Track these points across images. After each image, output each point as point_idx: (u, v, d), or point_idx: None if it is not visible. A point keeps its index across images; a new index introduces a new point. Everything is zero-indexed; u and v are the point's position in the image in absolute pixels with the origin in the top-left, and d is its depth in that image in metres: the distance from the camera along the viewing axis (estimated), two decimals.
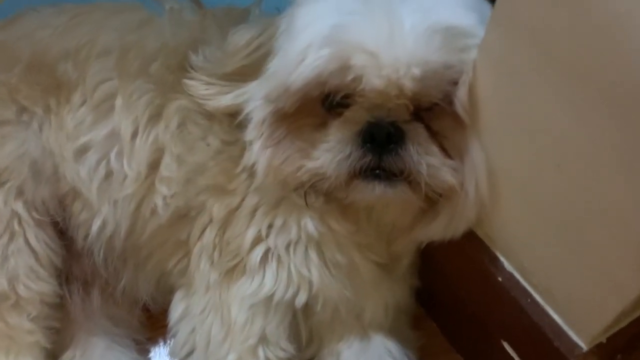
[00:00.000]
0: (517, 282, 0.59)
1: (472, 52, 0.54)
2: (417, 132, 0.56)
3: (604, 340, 0.55)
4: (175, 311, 0.71)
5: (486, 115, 0.54)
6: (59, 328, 0.72)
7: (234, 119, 0.66)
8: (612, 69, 0.42)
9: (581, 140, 0.46)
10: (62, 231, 0.73)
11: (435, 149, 0.57)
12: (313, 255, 0.65)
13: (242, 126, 0.64)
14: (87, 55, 0.70)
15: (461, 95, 0.55)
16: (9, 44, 0.72)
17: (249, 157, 0.63)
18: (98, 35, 0.71)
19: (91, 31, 0.72)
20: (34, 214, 0.69)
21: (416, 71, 0.53)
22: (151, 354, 0.77)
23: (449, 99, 0.56)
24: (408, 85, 0.54)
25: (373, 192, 0.58)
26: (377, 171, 0.57)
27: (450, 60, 0.54)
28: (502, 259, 0.61)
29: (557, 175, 0.50)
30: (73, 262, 0.75)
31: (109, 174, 0.69)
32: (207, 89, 0.66)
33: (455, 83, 0.55)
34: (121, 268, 0.75)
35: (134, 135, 0.69)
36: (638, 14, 0.38)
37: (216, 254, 0.68)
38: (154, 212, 0.68)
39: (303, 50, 0.56)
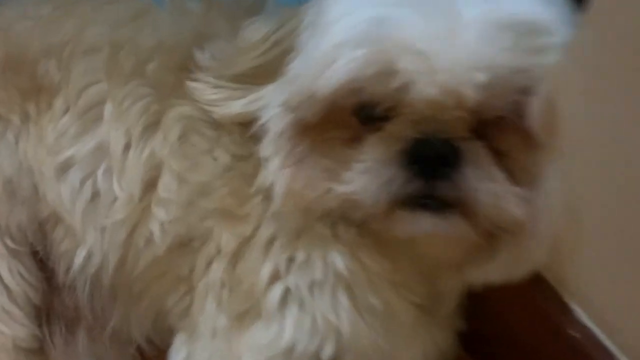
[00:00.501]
0: (596, 338, 0.53)
1: (551, 54, 0.45)
2: (477, 152, 0.48)
3: None
4: (176, 357, 0.63)
5: (568, 133, 0.46)
6: None
7: (246, 129, 0.59)
8: None
9: None
10: (42, 262, 0.67)
11: (499, 173, 0.48)
12: (342, 298, 0.57)
13: (256, 139, 0.57)
14: (73, 52, 0.64)
15: (535, 107, 0.46)
16: None
17: (264, 177, 0.56)
18: (86, 29, 0.65)
19: (78, 24, 0.66)
20: (9, 242, 0.64)
21: (480, 76, 0.45)
22: None
23: (519, 112, 0.47)
24: (469, 93, 0.45)
25: (420, 225, 0.49)
26: (426, 200, 0.49)
27: (523, 63, 0.46)
28: (577, 309, 0.55)
29: None
30: (55, 298, 0.69)
31: (95, 196, 0.63)
32: (214, 93, 0.60)
33: (528, 91, 0.46)
34: (111, 305, 0.68)
35: (126, 148, 0.62)
36: None
37: (225, 293, 0.60)
38: (149, 241, 0.62)
39: (334, 48, 0.48)
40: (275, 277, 0.58)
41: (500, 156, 0.49)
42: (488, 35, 0.45)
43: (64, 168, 0.63)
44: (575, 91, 0.44)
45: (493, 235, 0.50)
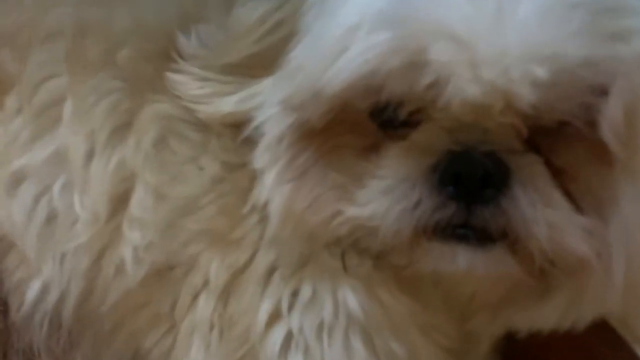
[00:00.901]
0: None
1: (636, 41, 0.36)
2: (532, 170, 0.39)
3: None
4: None
5: None
6: None
7: (238, 132, 0.52)
8: None
9: None
10: None
11: (560, 197, 0.39)
12: (357, 344, 0.50)
13: (250, 144, 0.50)
14: (29, 39, 0.57)
15: (612, 113, 0.37)
16: None
17: (261, 193, 0.49)
18: (46, 10, 0.58)
19: (38, 3, 0.59)
20: None
21: (539, 71, 0.36)
22: None
23: (588, 118, 0.38)
24: (525, 94, 0.37)
25: (454, 261, 0.41)
26: (463, 230, 0.40)
27: (597, 53, 0.36)
28: None
29: None
30: (12, 335, 0.59)
31: (52, 216, 0.55)
32: (200, 87, 0.53)
33: (602, 92, 0.37)
34: (74, 347, 0.60)
35: (89, 157, 0.54)
36: None
37: (215, 336, 0.53)
38: (120, 270, 0.53)
39: (347, 33, 0.41)
40: (275, 317, 0.51)
41: (561, 175, 0.41)
42: (550, 16, 0.36)
43: (16, 182, 0.56)
44: None
45: (547, 273, 0.41)
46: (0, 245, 0.57)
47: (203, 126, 0.54)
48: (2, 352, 0.58)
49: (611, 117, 0.36)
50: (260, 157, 0.48)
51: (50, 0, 0.59)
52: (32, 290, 0.56)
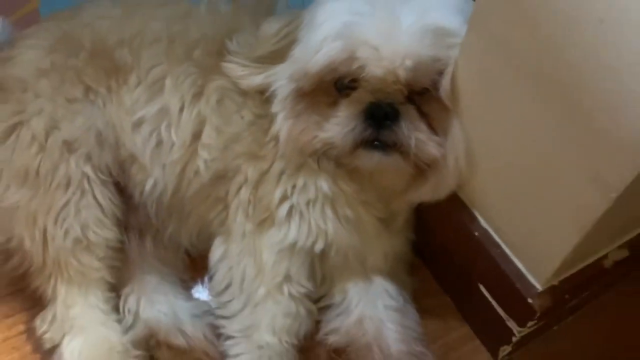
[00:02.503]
0: (490, 236, 0.71)
1: (456, 49, 0.63)
2: (409, 112, 0.66)
3: (556, 283, 0.68)
4: (215, 254, 0.79)
5: (465, 101, 0.65)
6: (120, 267, 0.82)
7: (263, 95, 0.74)
8: (555, 69, 0.53)
9: (533, 124, 0.58)
10: (121, 189, 0.81)
11: (423, 126, 0.66)
12: (328, 211, 0.74)
13: (270, 101, 0.73)
14: (140, 43, 0.78)
15: (445, 84, 0.65)
16: (75, 33, 0.79)
17: (275, 128, 0.73)
18: (148, 25, 0.79)
19: (142, 22, 0.79)
20: (100, 175, 0.77)
21: (409, 63, 0.63)
22: (193, 290, 0.87)
23: (436, 86, 0.65)
24: (402, 74, 0.63)
25: (372, 160, 0.68)
26: (376, 143, 0.66)
27: (438, 55, 0.64)
28: (479, 217, 0.73)
29: (518, 149, 0.62)
30: (130, 215, 0.84)
31: (159, 143, 0.77)
32: (242, 71, 0.75)
33: (441, 73, 0.65)
34: (168, 220, 0.83)
35: (181, 110, 0.76)
36: (574, 27, 0.50)
37: (250, 208, 0.76)
38: (197, 173, 0.77)
39: (320, 41, 0.65)
40: (284, 198, 0.75)
41: (424, 116, 0.67)
42: (416, 36, 0.63)
43: (138, 124, 0.77)
44: (467, 74, 0.63)
45: (421, 168, 0.69)
46: (129, 160, 0.78)
47: (243, 93, 0.75)
48: (124, 225, 0.81)
49: (445, 86, 0.64)
50: (275, 107, 0.71)
51: (150, 18, 0.79)
52: (148, 186, 0.79)
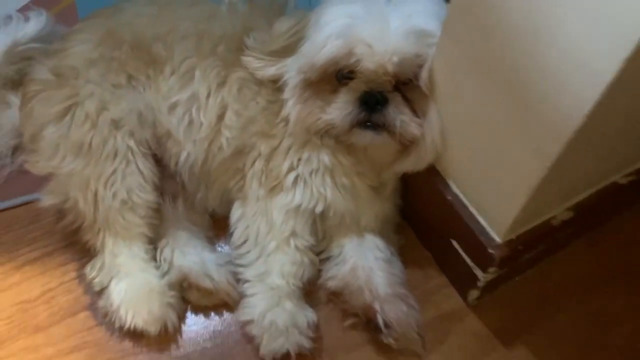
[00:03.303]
0: (460, 199, 0.83)
1: (433, 47, 0.75)
2: (395, 99, 0.77)
3: (513, 237, 0.81)
4: (235, 215, 0.90)
5: (439, 89, 0.77)
6: (157, 224, 0.92)
7: (276, 84, 0.83)
8: (504, 66, 0.67)
9: (488, 108, 0.72)
10: (158, 160, 0.91)
11: (407, 110, 0.78)
12: (328, 179, 0.84)
13: (281, 89, 0.83)
14: (173, 38, 0.87)
15: (424, 76, 0.76)
16: (117, 29, 0.89)
17: (285, 111, 0.83)
18: (180, 23, 0.88)
19: (175, 20, 0.89)
20: (141, 148, 0.87)
21: (396, 59, 0.74)
22: (216, 244, 0.98)
23: (417, 77, 0.77)
24: (390, 67, 0.75)
25: (365, 137, 0.79)
26: (368, 123, 0.78)
27: (419, 52, 0.75)
28: (451, 184, 0.84)
29: (478, 128, 0.75)
30: (166, 182, 0.94)
31: (191, 122, 0.87)
32: (257, 63, 0.83)
33: (421, 67, 0.76)
34: (197, 186, 0.93)
35: (208, 96, 0.86)
36: (516, 35, 0.64)
37: (263, 177, 0.86)
38: (220, 148, 0.87)
39: (324, 40, 0.76)
40: (291, 168, 0.85)
41: (408, 101, 0.78)
42: (402, 37, 0.74)
43: (173, 107, 0.87)
44: (441, 68, 0.76)
45: (405, 145, 0.81)
46: (166, 136, 0.88)
47: (259, 82, 0.85)
48: (160, 191, 0.91)
49: (423, 77, 0.76)
50: (286, 94, 0.81)
51: (181, 17, 0.88)
52: (181, 158, 0.88)
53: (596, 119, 0.58)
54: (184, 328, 0.92)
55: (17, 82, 1.03)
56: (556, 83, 0.59)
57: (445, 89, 0.77)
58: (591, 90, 0.55)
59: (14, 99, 1.02)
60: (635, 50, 0.50)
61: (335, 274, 0.90)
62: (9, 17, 1.09)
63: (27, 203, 1.02)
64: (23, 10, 1.19)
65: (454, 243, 0.88)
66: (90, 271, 0.93)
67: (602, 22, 0.51)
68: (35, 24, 1.07)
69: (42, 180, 0.95)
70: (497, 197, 0.78)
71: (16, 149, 1.03)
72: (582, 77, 0.55)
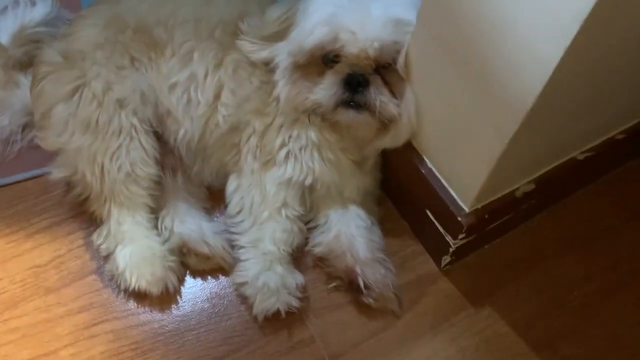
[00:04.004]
0: (433, 173, 0.91)
1: (409, 35, 0.83)
2: (376, 81, 0.83)
3: (479, 207, 0.90)
4: (230, 187, 0.96)
5: (414, 73, 0.85)
6: (159, 195, 0.98)
7: (268, 66, 0.89)
8: (468, 53, 0.75)
9: (456, 90, 0.79)
10: (159, 136, 0.97)
11: (386, 91, 0.85)
12: (315, 154, 0.91)
13: (273, 71, 0.89)
14: (173, 23, 0.93)
15: (401, 60, 0.83)
16: (121, 15, 0.94)
17: (276, 91, 0.89)
18: (179, 9, 0.93)
19: (174, 6, 0.94)
20: (144, 125, 0.93)
21: (376, 44, 0.81)
22: (213, 215, 1.04)
23: (395, 62, 0.84)
24: (371, 52, 0.81)
25: (348, 116, 0.86)
26: (351, 103, 0.84)
27: (397, 39, 0.81)
28: (425, 159, 0.91)
29: (447, 108, 0.83)
30: (166, 156, 1.00)
31: (189, 101, 0.92)
32: (251, 47, 0.89)
33: (399, 52, 0.83)
34: (194, 161, 0.99)
35: (205, 76, 0.91)
36: (480, 27, 0.72)
37: (257, 152, 0.92)
38: (217, 125, 0.93)
39: (312, 26, 0.82)
40: (282, 145, 0.91)
41: (387, 84, 0.85)
42: (382, 25, 0.80)
43: (173, 87, 0.92)
44: (415, 53, 0.83)
45: (385, 123, 0.88)
46: (166, 114, 0.93)
47: (253, 64, 0.90)
48: (161, 164, 0.96)
49: (400, 62, 0.83)
50: (277, 75, 0.86)
51: (180, 4, 0.93)
52: (180, 133, 0.94)
53: (546, 100, 0.67)
54: (184, 290, 0.99)
55: (25, 64, 1.10)
56: (511, 69, 0.67)
57: (419, 72, 0.85)
58: (539, 76, 0.64)
59: (23, 80, 1.08)
60: (574, 40, 0.59)
61: (321, 241, 0.97)
62: (17, 2, 1.15)
63: (37, 176, 1.09)
64: None
65: (428, 213, 0.96)
66: (97, 238, 1.00)
67: (546, 16, 0.60)
68: (41, 8, 1.13)
69: (50, 155, 1.02)
70: (464, 170, 0.86)
71: (26, 126, 1.09)
72: (532, 64, 0.64)
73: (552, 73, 0.62)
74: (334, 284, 0.98)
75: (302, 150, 0.93)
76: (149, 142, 0.95)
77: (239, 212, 0.97)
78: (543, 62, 0.62)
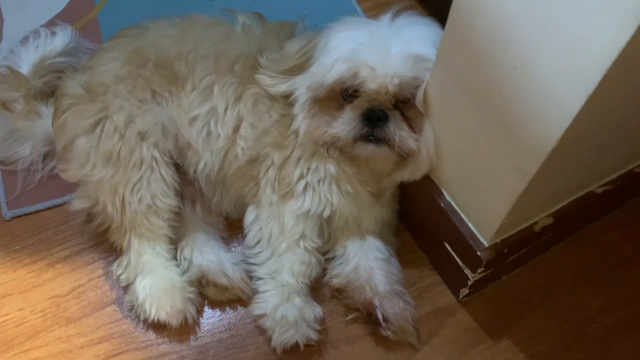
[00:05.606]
0: (452, 206, 0.92)
1: (429, 71, 0.83)
2: (395, 116, 0.84)
3: (498, 241, 0.90)
4: (249, 218, 0.97)
5: (433, 109, 0.86)
6: (178, 226, 1.00)
7: (287, 100, 0.90)
8: (487, 93, 0.76)
9: (474, 128, 0.80)
10: (179, 168, 0.98)
11: (405, 126, 0.85)
12: (334, 187, 0.92)
13: (292, 105, 0.90)
14: (194, 57, 0.94)
15: (420, 96, 0.84)
16: (143, 49, 0.96)
17: (295, 125, 0.90)
18: (199, 43, 0.95)
19: (195, 40, 0.95)
20: (164, 157, 0.94)
21: (396, 80, 0.82)
22: (231, 245, 1.06)
23: (414, 97, 0.84)
24: (391, 88, 0.82)
25: (367, 150, 0.87)
26: (370, 137, 0.85)
27: (416, 75, 0.82)
28: (444, 192, 0.92)
29: (466, 145, 0.83)
30: (185, 188, 1.01)
31: (209, 134, 0.94)
32: (270, 80, 0.90)
33: (418, 88, 0.83)
34: (214, 192, 1.00)
35: (225, 110, 0.93)
36: (498, 69, 0.72)
37: (276, 184, 0.93)
38: (236, 157, 0.94)
39: (332, 62, 0.83)
40: (301, 177, 0.92)
41: (406, 118, 0.85)
42: (401, 61, 0.81)
43: (193, 120, 0.93)
44: (434, 90, 0.84)
45: (403, 156, 0.89)
46: (186, 146, 0.95)
47: (272, 98, 0.91)
48: (181, 195, 0.98)
49: (419, 97, 0.84)
50: (296, 109, 0.87)
51: (201, 38, 0.94)
52: (200, 165, 0.95)
53: (567, 143, 0.67)
54: (202, 321, 1.01)
55: (46, 94, 1.12)
56: (532, 112, 0.68)
57: (438, 108, 0.86)
58: (560, 121, 0.64)
59: (44, 110, 1.10)
60: (597, 88, 0.59)
61: (339, 273, 0.98)
62: (37, 32, 1.17)
63: (57, 205, 1.11)
64: (48, 25, 1.28)
65: (447, 245, 0.96)
66: (117, 268, 1.01)
67: (569, 63, 0.60)
68: (62, 38, 1.16)
69: (71, 185, 1.04)
70: (484, 205, 0.87)
71: (46, 156, 1.12)
72: (554, 110, 0.65)
73: (574, 119, 0.62)
74: (352, 316, 0.99)
75: (321, 183, 0.93)
76: (169, 174, 0.96)
77: (257, 243, 0.98)
78: (565, 108, 0.63)
